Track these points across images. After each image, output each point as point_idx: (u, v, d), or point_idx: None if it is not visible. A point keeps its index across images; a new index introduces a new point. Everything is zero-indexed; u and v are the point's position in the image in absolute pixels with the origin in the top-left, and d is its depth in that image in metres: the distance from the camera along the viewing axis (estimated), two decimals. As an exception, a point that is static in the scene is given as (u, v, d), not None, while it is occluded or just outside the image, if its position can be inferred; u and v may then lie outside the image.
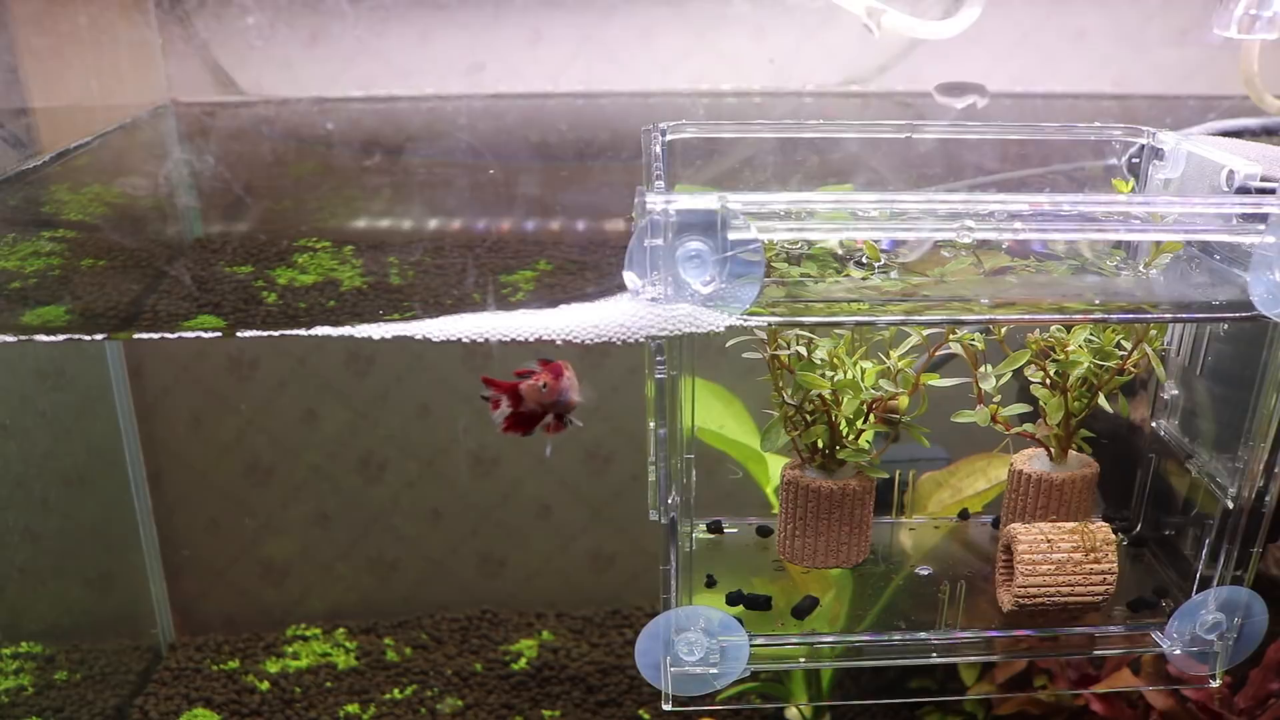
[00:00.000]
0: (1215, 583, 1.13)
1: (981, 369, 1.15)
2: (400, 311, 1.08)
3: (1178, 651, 1.15)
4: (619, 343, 0.96)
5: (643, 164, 1.08)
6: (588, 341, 0.98)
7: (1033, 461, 1.20)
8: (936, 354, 1.12)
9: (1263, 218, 0.93)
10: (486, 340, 1.01)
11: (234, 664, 2.16)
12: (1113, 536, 1.11)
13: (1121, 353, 1.13)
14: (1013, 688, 1.73)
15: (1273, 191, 1.03)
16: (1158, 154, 1.17)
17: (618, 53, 1.63)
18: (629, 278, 0.92)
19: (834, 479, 1.15)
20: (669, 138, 1.16)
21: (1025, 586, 1.09)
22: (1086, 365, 1.13)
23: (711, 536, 1.29)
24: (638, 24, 1.61)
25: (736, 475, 1.47)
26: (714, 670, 1.09)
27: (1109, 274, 1.10)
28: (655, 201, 0.89)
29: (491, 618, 2.30)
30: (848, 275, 1.05)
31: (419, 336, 1.01)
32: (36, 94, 1.54)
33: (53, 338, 1.06)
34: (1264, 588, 1.13)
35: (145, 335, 1.07)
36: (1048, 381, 1.16)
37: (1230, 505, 1.10)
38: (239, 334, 1.08)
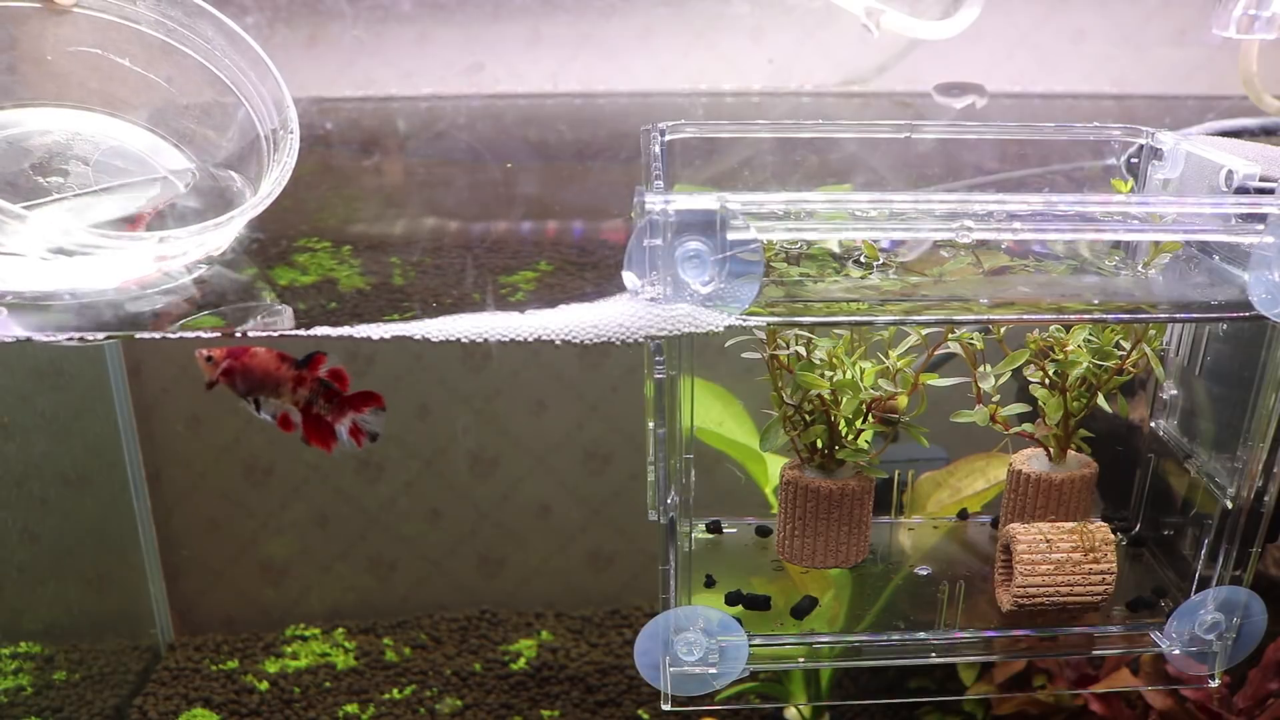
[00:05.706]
0: (1214, 582, 1.13)
1: (980, 369, 1.15)
2: (400, 311, 1.08)
3: (1176, 651, 1.15)
4: (618, 343, 0.96)
5: (642, 164, 1.08)
6: (587, 341, 0.98)
7: (1032, 461, 1.20)
8: (935, 354, 1.12)
9: (1261, 218, 0.94)
10: (486, 340, 1.01)
11: (233, 664, 2.15)
12: (1111, 536, 1.11)
13: (1120, 353, 1.13)
14: (1012, 688, 1.73)
15: (1271, 191, 1.03)
16: (1156, 154, 1.17)
17: (617, 53, 1.62)
18: (628, 278, 0.92)
19: (833, 479, 1.15)
20: (668, 138, 1.15)
21: (1024, 586, 1.09)
22: (1085, 365, 1.13)
23: (710, 536, 1.29)
24: (637, 24, 1.61)
25: (741, 479, 1.47)
26: (713, 670, 1.09)
27: (1108, 274, 1.10)
28: (654, 201, 0.89)
29: (490, 618, 2.30)
30: (847, 275, 1.05)
31: (418, 336, 1.01)
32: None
33: (51, 337, 1.06)
34: (1263, 588, 1.13)
35: (144, 335, 1.07)
36: (1047, 381, 1.16)
37: (1229, 505, 1.10)
38: (238, 334, 1.08)
